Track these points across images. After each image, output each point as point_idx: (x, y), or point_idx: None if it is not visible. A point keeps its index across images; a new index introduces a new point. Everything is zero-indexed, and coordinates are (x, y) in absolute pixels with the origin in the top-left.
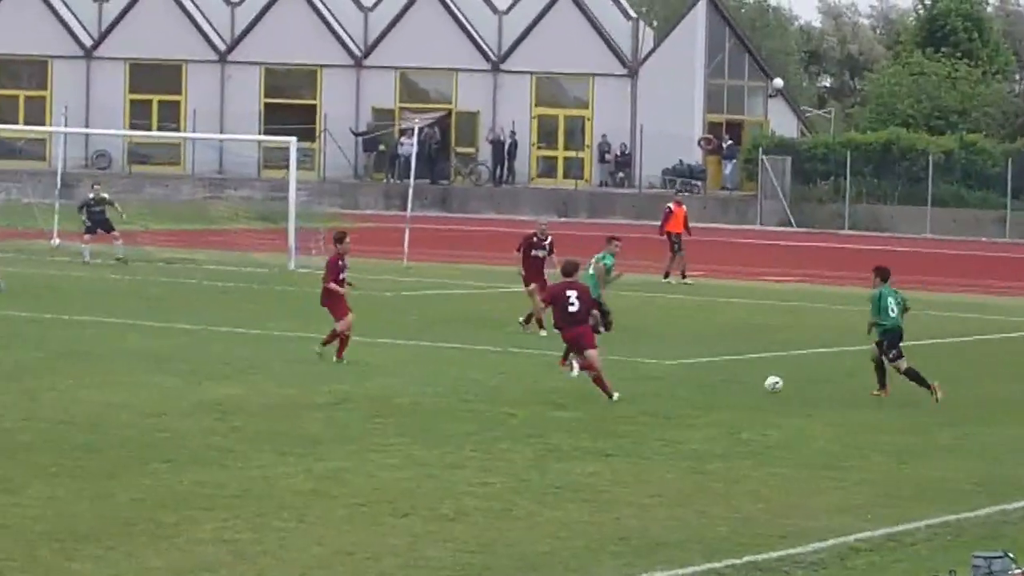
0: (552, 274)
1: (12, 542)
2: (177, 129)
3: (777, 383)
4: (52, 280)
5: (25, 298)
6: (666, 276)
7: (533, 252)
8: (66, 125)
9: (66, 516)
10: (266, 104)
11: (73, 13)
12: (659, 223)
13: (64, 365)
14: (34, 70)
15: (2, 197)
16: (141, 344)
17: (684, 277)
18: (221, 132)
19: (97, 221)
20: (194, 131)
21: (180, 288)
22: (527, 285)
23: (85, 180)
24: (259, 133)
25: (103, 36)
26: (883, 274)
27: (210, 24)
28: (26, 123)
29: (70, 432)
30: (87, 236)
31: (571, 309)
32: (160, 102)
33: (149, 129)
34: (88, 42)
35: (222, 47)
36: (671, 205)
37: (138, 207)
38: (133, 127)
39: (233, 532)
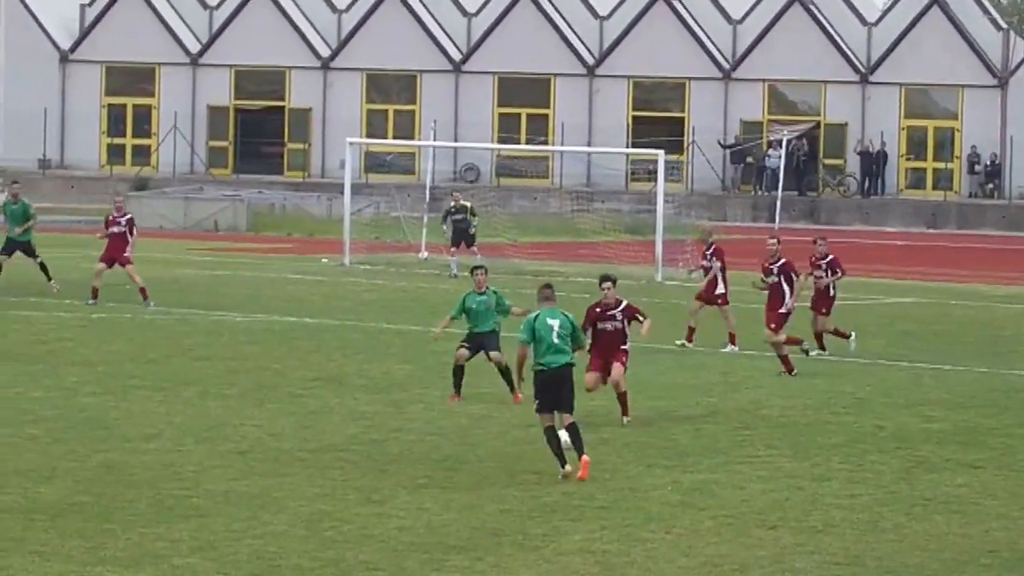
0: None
1: (379, 552)
2: (545, 142)
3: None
4: (421, 293)
5: (393, 311)
6: None
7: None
8: (435, 139)
9: (434, 527)
10: (634, 117)
11: (443, 28)
12: None
13: (432, 377)
14: (404, 84)
15: (371, 210)
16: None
17: None
18: (589, 145)
19: (459, 231)
20: (562, 144)
21: None
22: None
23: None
24: (627, 146)
25: (472, 50)
26: None
27: (578, 38)
28: (395, 137)
29: (438, 444)
30: (453, 249)
31: None
32: (528, 115)
33: (517, 142)
34: (457, 56)
35: (590, 61)
36: None
37: (506, 220)
38: (501, 140)
39: (601, 543)
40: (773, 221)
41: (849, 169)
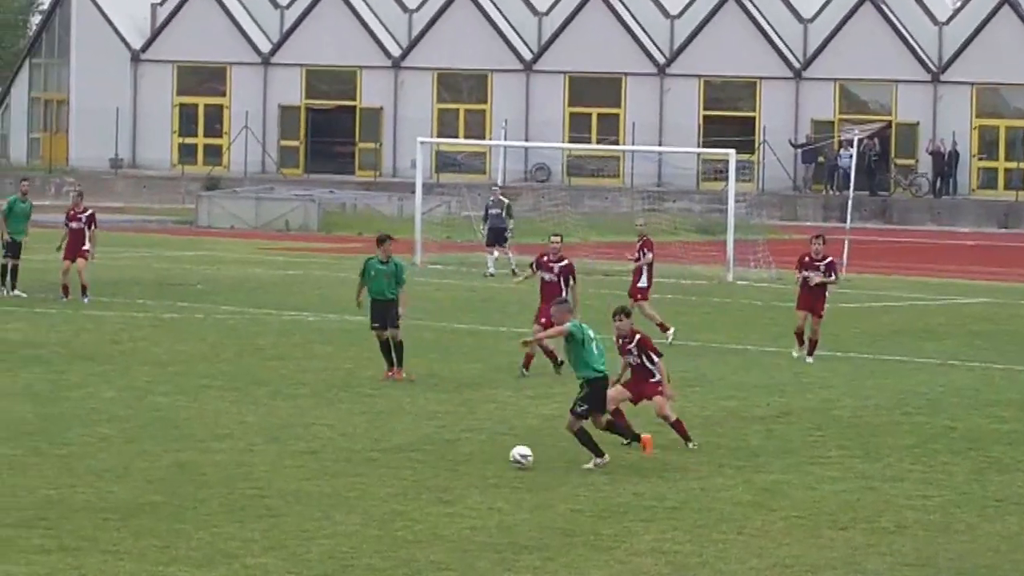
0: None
1: (450, 552)
2: (616, 142)
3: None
4: (492, 293)
5: (463, 311)
6: None
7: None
8: (506, 138)
9: (505, 527)
10: (705, 116)
11: (513, 27)
12: None
13: (502, 377)
14: (475, 83)
15: (442, 210)
16: None
17: None
18: (660, 144)
19: (493, 230)
20: (633, 144)
21: (619, 301)
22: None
23: (525, 193)
24: (697, 145)
25: (543, 49)
26: None
27: (649, 37)
28: (466, 136)
29: (510, 444)
30: (488, 247)
31: None
32: (599, 115)
33: (588, 142)
34: (528, 55)
35: (661, 60)
36: None
37: (577, 219)
38: (572, 140)
39: (672, 544)
40: (844, 221)
41: (920, 169)
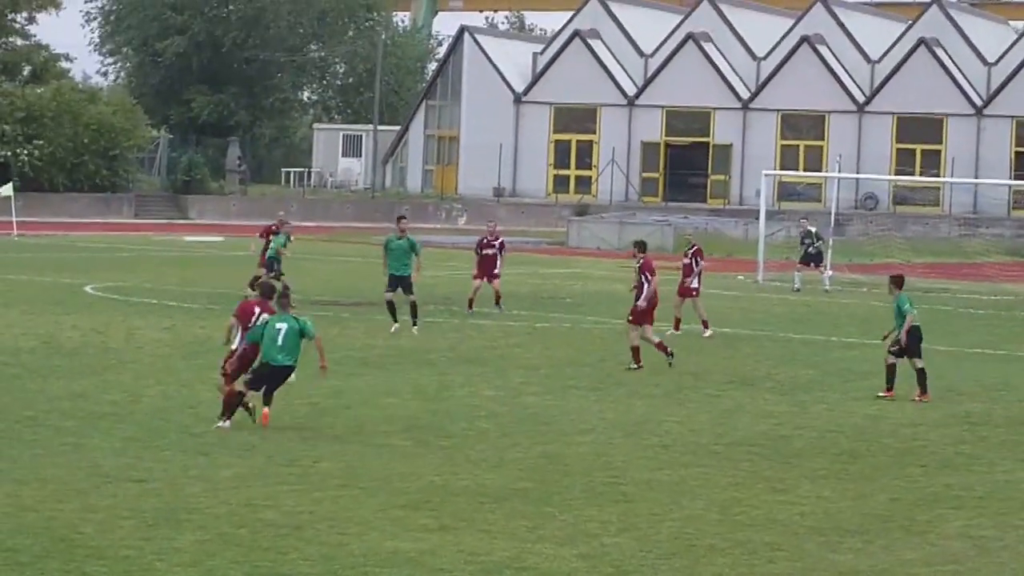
0: None
1: (782, 535)
2: (937, 175)
3: None
4: (825, 307)
5: (800, 323)
6: None
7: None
8: (840, 171)
9: (831, 513)
10: (1016, 152)
11: (848, 73)
12: None
13: (833, 381)
14: (813, 123)
15: (783, 234)
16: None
17: None
18: (976, 177)
19: (808, 254)
20: (952, 176)
21: (937, 314)
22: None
23: (855, 219)
24: (1010, 178)
25: (874, 93)
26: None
27: (968, 81)
28: (805, 169)
29: (837, 440)
30: (799, 265)
31: None
32: (923, 151)
33: (912, 175)
34: (860, 98)
35: (979, 102)
36: None
37: (900, 242)
38: (898, 173)
39: (978, 529)
40: None
41: None
